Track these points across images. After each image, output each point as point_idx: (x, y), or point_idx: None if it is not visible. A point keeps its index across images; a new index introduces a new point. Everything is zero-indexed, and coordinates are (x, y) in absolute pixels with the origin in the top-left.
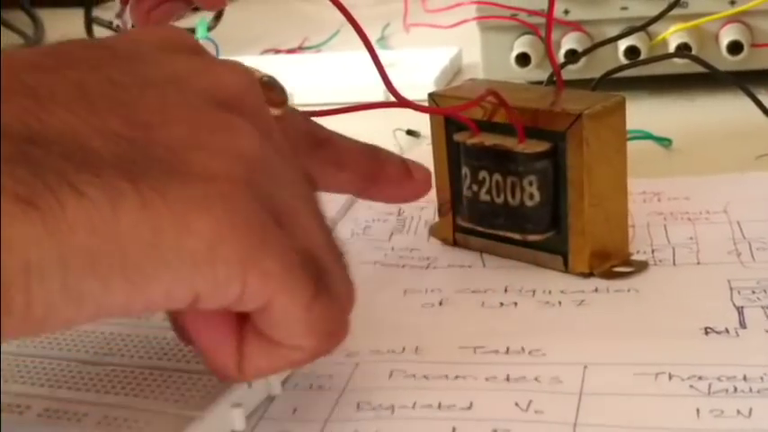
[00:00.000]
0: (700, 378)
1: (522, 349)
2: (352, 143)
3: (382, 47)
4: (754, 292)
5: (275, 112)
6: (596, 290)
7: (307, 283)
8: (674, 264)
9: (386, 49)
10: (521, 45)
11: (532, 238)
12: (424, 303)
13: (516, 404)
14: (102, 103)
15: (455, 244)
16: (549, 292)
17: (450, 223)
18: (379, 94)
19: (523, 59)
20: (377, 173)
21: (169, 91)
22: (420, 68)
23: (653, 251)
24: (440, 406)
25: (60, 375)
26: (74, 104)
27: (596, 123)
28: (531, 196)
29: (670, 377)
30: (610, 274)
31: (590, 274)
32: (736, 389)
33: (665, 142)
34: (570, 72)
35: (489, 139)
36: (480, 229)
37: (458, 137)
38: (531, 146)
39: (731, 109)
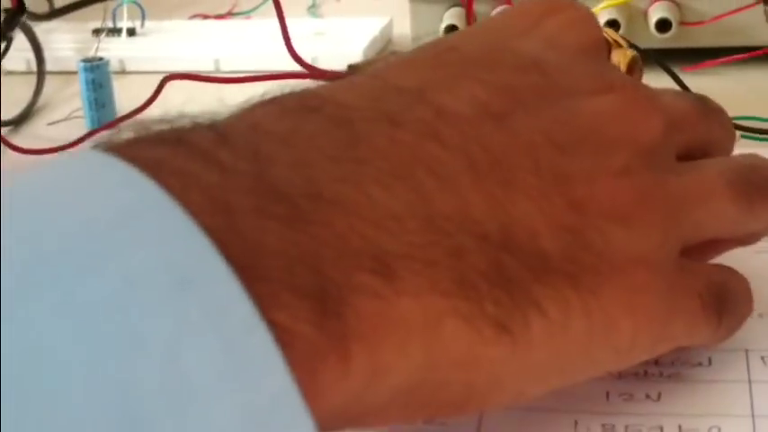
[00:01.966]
0: None
1: None
2: None
3: (313, 15)
4: None
5: None
6: None
7: (710, 322)
8: None
9: (316, 18)
10: (450, 17)
11: None
12: None
13: None
14: (551, 178)
15: None
16: None
17: None
18: (308, 62)
19: (453, 31)
20: None
21: (598, 148)
22: (349, 38)
23: None
24: None
25: None
26: (532, 186)
27: None
28: None
29: None
30: None
31: None
32: (646, 373)
33: None
34: None
35: None
36: None
37: None
38: None
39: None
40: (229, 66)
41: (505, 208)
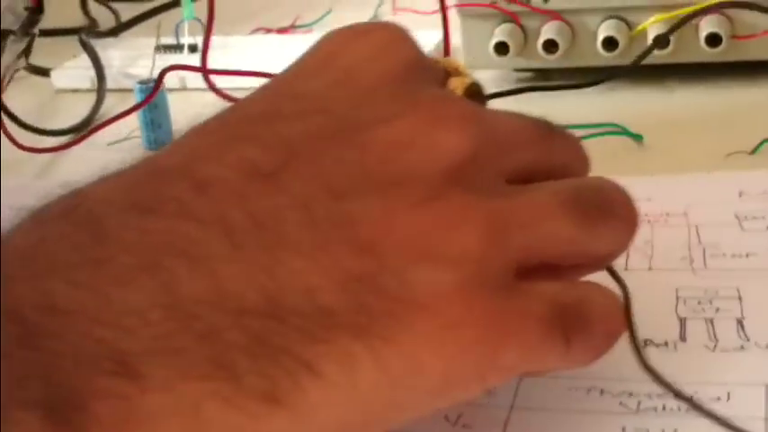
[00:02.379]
0: (630, 395)
1: None
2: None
3: None
4: (699, 303)
5: None
6: None
7: (555, 344)
8: (626, 268)
9: None
10: (500, 33)
11: None
12: None
13: (446, 418)
14: (329, 227)
15: None
16: None
17: None
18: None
19: (502, 48)
20: None
21: (391, 181)
22: None
23: None
24: None
25: None
26: (304, 240)
27: None
28: None
29: (601, 392)
30: None
31: None
32: (664, 407)
33: (637, 138)
34: (550, 62)
35: None
36: None
37: None
38: None
39: (710, 102)
40: None
41: (271, 273)
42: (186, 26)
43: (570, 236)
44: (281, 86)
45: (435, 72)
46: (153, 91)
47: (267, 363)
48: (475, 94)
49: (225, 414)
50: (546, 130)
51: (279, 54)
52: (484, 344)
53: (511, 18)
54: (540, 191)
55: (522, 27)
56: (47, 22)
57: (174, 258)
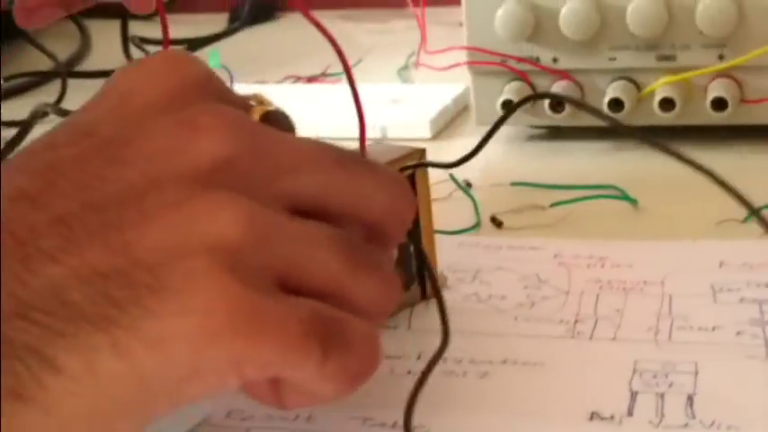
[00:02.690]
0: None
1: None
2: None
3: (402, 78)
4: (655, 377)
5: None
6: (504, 361)
7: (312, 351)
8: (591, 338)
9: (405, 83)
10: (509, 91)
11: None
12: None
13: None
14: (83, 232)
15: None
16: (459, 361)
17: None
18: (376, 133)
19: (509, 106)
20: None
21: (148, 189)
22: (421, 107)
23: (576, 322)
24: None
25: None
26: (57, 248)
27: None
28: None
29: None
30: None
31: None
32: None
33: (632, 201)
34: (558, 120)
35: None
36: None
37: None
38: None
39: (713, 166)
40: (307, 134)
41: (24, 281)
42: None
43: (332, 268)
44: (66, 121)
45: (224, 95)
46: None
47: (14, 362)
48: (273, 120)
49: None
50: (344, 161)
51: (302, 105)
52: (235, 333)
53: (521, 77)
54: (314, 222)
55: (531, 86)
56: (90, 63)
57: None
